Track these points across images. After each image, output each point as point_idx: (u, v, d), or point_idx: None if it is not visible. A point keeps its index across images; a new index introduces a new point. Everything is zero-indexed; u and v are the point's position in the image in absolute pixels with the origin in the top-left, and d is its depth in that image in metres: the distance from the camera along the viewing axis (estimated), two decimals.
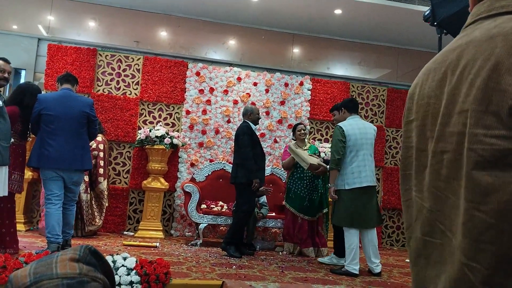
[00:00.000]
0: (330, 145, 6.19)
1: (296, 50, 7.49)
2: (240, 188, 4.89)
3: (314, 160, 5.08)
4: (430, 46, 7.17)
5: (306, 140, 5.59)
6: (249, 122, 5.04)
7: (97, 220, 5.39)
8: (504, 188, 0.71)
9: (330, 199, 4.82)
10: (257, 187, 4.85)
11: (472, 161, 0.76)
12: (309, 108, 6.69)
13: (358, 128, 4.36)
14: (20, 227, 5.10)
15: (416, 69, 7.82)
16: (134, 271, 3.25)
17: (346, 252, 4.29)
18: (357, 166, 4.24)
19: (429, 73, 0.94)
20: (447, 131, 0.83)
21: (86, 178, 5.25)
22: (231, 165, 5.16)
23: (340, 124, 4.40)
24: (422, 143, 0.92)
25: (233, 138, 5.44)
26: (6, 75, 3.79)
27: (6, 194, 3.74)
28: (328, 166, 4.89)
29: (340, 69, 7.55)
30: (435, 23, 2.97)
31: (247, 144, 4.84)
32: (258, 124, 5.22)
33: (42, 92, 4.33)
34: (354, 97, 6.85)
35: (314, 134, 6.73)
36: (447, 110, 0.84)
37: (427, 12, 3.05)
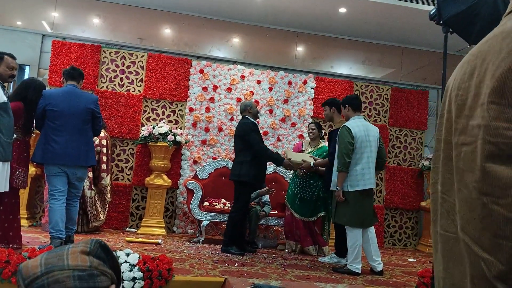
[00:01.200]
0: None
1: (300, 49, 7.48)
2: (239, 186, 4.86)
3: (298, 157, 5.03)
4: (435, 45, 7.15)
5: (322, 140, 5.51)
6: (250, 118, 5.01)
7: (101, 216, 5.42)
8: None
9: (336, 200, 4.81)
10: (288, 165, 4.89)
11: (490, 155, 0.74)
12: (312, 107, 6.68)
13: (364, 129, 4.33)
14: (23, 222, 5.11)
15: (420, 69, 7.80)
16: (137, 267, 3.26)
17: (348, 251, 4.28)
18: (361, 169, 4.23)
19: (462, 66, 0.93)
20: (470, 124, 0.82)
21: (90, 175, 5.27)
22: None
23: (347, 124, 4.34)
24: (449, 136, 0.91)
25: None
26: (14, 72, 3.81)
27: (7, 189, 3.75)
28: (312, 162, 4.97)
29: (344, 68, 7.54)
30: (441, 22, 2.95)
31: (258, 141, 4.84)
32: (258, 118, 5.18)
33: (47, 88, 4.34)
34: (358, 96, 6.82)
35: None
36: (473, 103, 0.83)
37: (433, 11, 3.03)
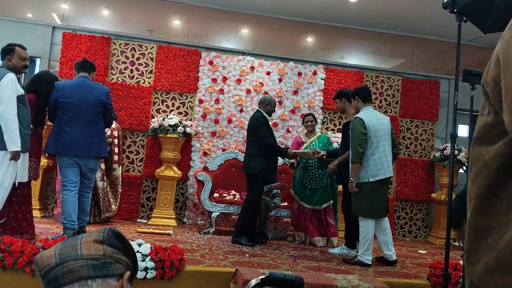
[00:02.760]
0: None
1: (310, 39, 7.43)
2: (250, 178, 4.91)
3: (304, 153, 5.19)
4: (447, 35, 7.06)
5: (318, 129, 5.58)
6: (263, 112, 5.03)
7: (113, 207, 5.47)
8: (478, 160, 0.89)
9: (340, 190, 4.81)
10: (294, 157, 5.07)
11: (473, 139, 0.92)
12: (322, 98, 6.64)
13: (376, 118, 4.32)
14: (35, 213, 5.17)
15: (431, 59, 7.72)
16: (149, 257, 3.29)
17: (360, 242, 4.28)
18: (379, 158, 4.22)
19: None
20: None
21: (103, 166, 5.31)
22: (244, 154, 5.18)
23: (358, 115, 4.32)
24: None
25: (246, 127, 5.43)
26: (26, 62, 3.85)
27: (27, 179, 3.82)
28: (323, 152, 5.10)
29: (354, 59, 7.48)
30: (455, 10, 2.91)
31: (267, 135, 4.89)
32: (271, 116, 5.20)
33: (58, 80, 4.36)
34: (368, 86, 6.78)
35: (327, 124, 6.69)
36: None
37: None
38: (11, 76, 3.59)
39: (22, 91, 3.67)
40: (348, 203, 4.53)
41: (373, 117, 4.31)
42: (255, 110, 5.20)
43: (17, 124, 3.55)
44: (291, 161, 5.46)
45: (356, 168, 4.20)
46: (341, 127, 5.57)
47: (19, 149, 3.57)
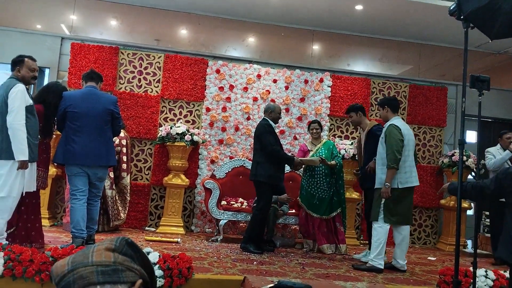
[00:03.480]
0: (350, 143, 6.16)
1: (316, 47, 7.46)
2: (258, 186, 4.92)
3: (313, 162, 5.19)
4: (454, 41, 7.06)
5: (325, 136, 5.57)
6: (269, 120, 5.05)
7: (122, 215, 5.50)
8: None
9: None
10: (300, 165, 5.07)
11: None
12: (329, 105, 6.65)
13: (406, 128, 4.44)
14: (44, 222, 5.21)
15: (438, 65, 7.70)
16: (157, 265, 3.29)
17: (373, 246, 4.31)
18: (409, 166, 4.32)
19: None
20: None
21: (111, 175, 5.34)
22: (251, 162, 5.19)
23: (394, 123, 4.37)
24: None
25: (253, 135, 5.44)
26: (35, 73, 3.90)
27: (35, 189, 3.85)
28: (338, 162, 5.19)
29: (360, 66, 7.49)
30: (462, 17, 2.91)
31: (273, 142, 4.90)
32: (277, 123, 5.23)
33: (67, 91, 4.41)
34: (375, 93, 6.78)
35: (334, 131, 6.68)
36: None
37: (453, 6, 2.99)
38: (20, 87, 3.64)
39: (30, 102, 3.71)
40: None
41: (404, 127, 4.41)
42: (262, 118, 5.22)
43: (25, 134, 3.59)
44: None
45: (392, 173, 4.24)
46: (355, 135, 5.58)
47: (27, 159, 3.60)
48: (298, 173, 6.06)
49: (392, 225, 4.34)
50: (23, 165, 3.59)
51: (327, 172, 5.23)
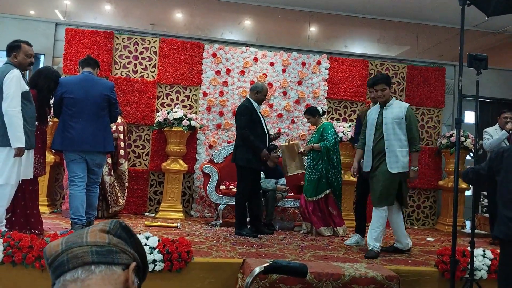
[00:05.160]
0: (348, 125, 6.14)
1: (313, 29, 7.38)
2: (238, 169, 4.91)
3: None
4: (452, 21, 6.98)
5: (324, 118, 5.53)
6: (252, 100, 4.96)
7: (121, 201, 5.51)
8: None
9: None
10: (266, 157, 4.82)
11: None
12: (327, 88, 6.61)
13: None
14: (43, 209, 5.23)
15: (436, 45, 7.64)
16: (157, 249, 3.31)
17: (376, 231, 4.14)
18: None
19: None
20: None
21: (109, 161, 5.34)
22: None
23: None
24: None
25: None
26: (32, 59, 3.85)
27: (32, 176, 3.84)
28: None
29: (358, 47, 7.43)
30: None
31: (244, 125, 4.79)
32: (260, 104, 5.06)
33: (62, 76, 4.37)
34: (372, 75, 6.72)
35: (332, 113, 6.66)
36: None
37: None
38: (15, 72, 3.59)
39: (26, 87, 3.67)
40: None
41: None
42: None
43: (21, 120, 3.55)
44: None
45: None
46: (354, 117, 5.46)
47: (23, 146, 3.56)
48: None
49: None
50: (19, 152, 3.56)
51: (314, 155, 5.22)
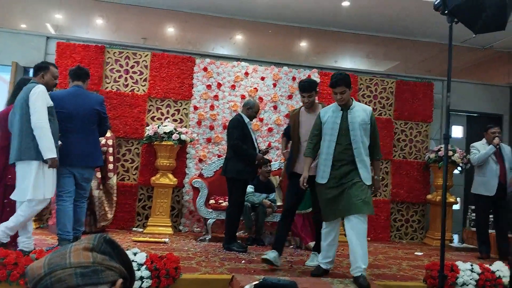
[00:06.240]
0: None
1: (304, 44, 7.46)
2: (228, 181, 4.91)
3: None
4: (440, 37, 7.10)
5: None
6: (244, 116, 5.00)
7: (109, 216, 5.46)
8: None
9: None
10: (262, 160, 4.98)
11: None
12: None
13: None
14: None
15: (425, 61, 7.75)
16: (145, 266, 3.28)
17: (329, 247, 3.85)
18: None
19: None
20: None
21: (98, 175, 5.30)
22: None
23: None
24: None
25: None
26: (57, 81, 4.03)
27: (53, 194, 3.83)
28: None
29: (348, 62, 7.51)
30: (446, 12, 2.94)
31: (236, 136, 4.82)
32: (252, 120, 5.09)
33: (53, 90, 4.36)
34: (362, 90, 6.79)
35: None
36: None
37: (438, 1, 3.02)
38: (41, 88, 3.67)
39: (51, 103, 3.73)
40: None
41: None
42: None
43: (50, 132, 3.60)
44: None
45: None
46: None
47: (55, 156, 3.60)
48: None
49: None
50: (53, 163, 3.59)
51: None
